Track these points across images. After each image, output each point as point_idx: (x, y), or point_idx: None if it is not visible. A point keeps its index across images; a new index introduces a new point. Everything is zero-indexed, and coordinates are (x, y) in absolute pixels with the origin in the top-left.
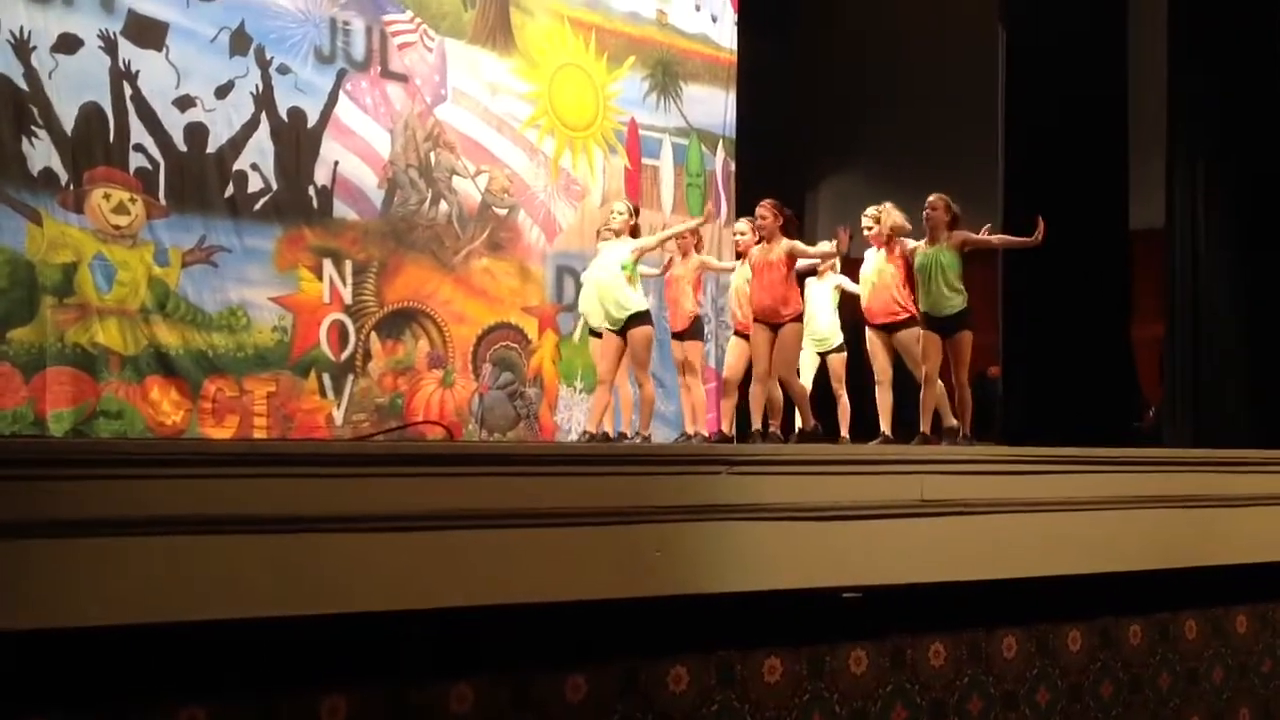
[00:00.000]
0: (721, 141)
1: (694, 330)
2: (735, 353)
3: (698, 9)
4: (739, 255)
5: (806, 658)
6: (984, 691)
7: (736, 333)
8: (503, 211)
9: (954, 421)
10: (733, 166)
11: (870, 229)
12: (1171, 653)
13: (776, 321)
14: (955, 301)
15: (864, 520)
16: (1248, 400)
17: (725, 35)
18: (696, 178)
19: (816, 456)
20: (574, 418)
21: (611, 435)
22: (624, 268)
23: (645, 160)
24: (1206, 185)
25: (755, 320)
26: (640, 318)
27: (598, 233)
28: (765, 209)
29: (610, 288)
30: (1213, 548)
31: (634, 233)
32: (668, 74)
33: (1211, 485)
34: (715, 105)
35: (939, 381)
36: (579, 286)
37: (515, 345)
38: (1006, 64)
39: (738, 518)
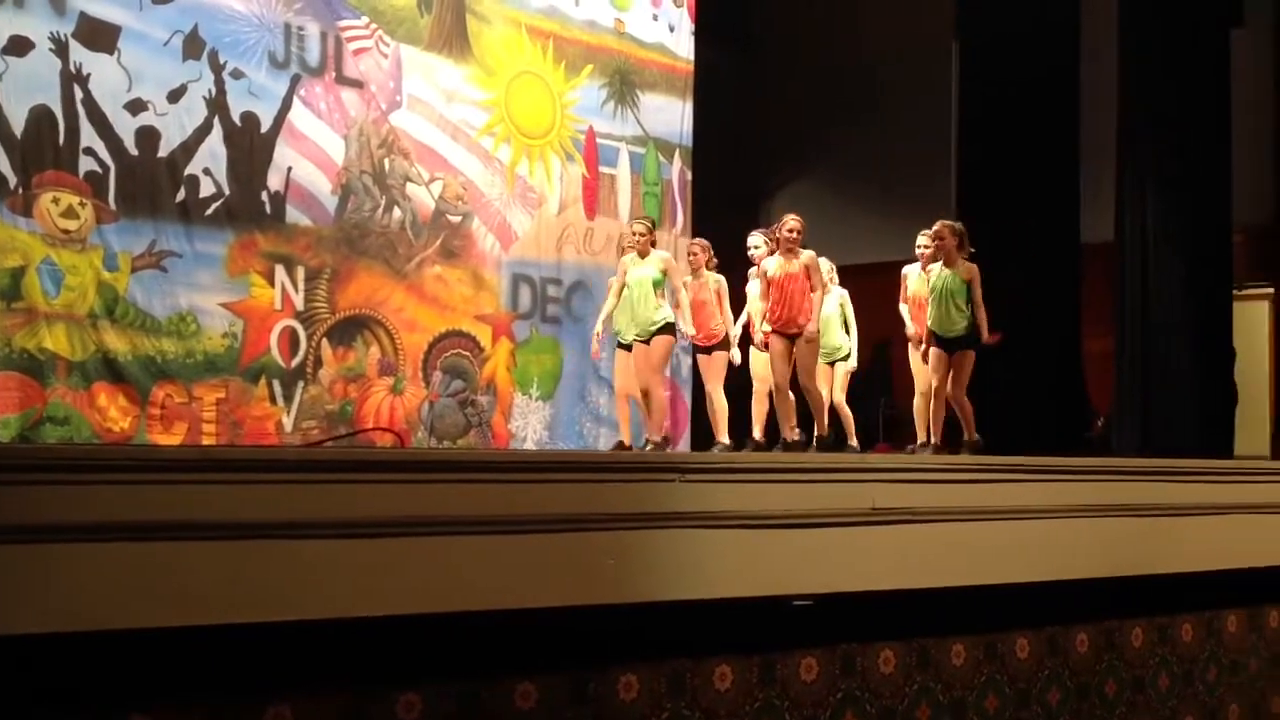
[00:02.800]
0: (678, 150)
1: (723, 344)
2: (762, 363)
3: (655, 18)
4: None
5: (758, 665)
6: (933, 699)
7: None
8: (457, 219)
9: (927, 437)
10: (689, 175)
11: (926, 248)
12: (1118, 660)
13: (795, 332)
14: (960, 325)
15: (816, 528)
16: (1194, 410)
17: (683, 45)
18: (653, 186)
19: (769, 465)
20: (529, 425)
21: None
22: (655, 284)
23: (602, 169)
24: (1155, 199)
25: (774, 331)
26: (669, 328)
27: (621, 249)
28: (796, 221)
29: (644, 302)
30: (1159, 556)
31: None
32: (625, 83)
33: (1158, 494)
34: (672, 114)
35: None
36: (538, 295)
37: (467, 353)
38: (960, 77)
39: (690, 526)
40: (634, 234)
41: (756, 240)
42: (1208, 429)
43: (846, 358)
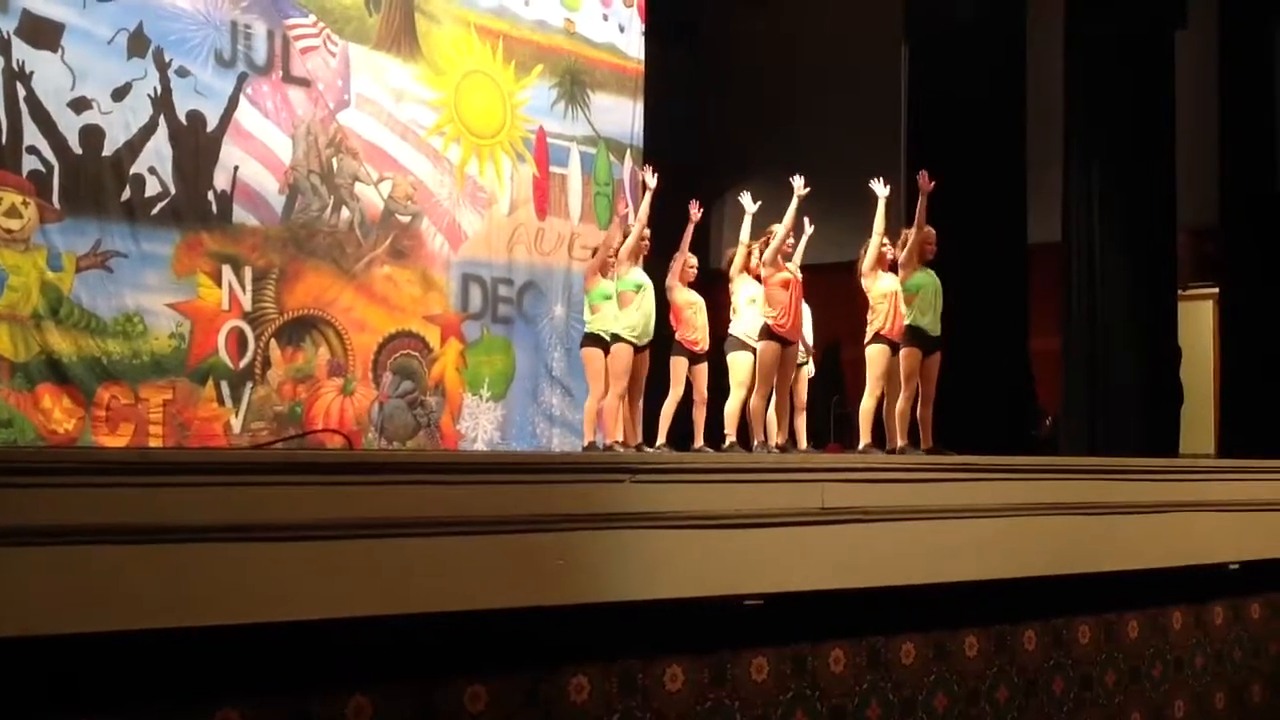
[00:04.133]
0: (629, 150)
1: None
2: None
3: (605, 18)
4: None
5: (708, 665)
6: (883, 697)
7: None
8: (406, 219)
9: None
10: (640, 175)
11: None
12: (1065, 658)
13: (795, 339)
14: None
15: (766, 528)
16: (1141, 410)
17: (633, 45)
18: (604, 186)
19: (719, 465)
20: (480, 426)
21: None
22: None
23: (553, 169)
24: (1102, 200)
25: (779, 339)
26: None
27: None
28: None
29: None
30: (1106, 554)
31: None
32: (576, 83)
33: (1106, 493)
34: (623, 114)
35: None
36: (489, 295)
37: (416, 354)
38: (909, 78)
39: (640, 526)
40: (647, 241)
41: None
42: (1154, 428)
43: (806, 363)
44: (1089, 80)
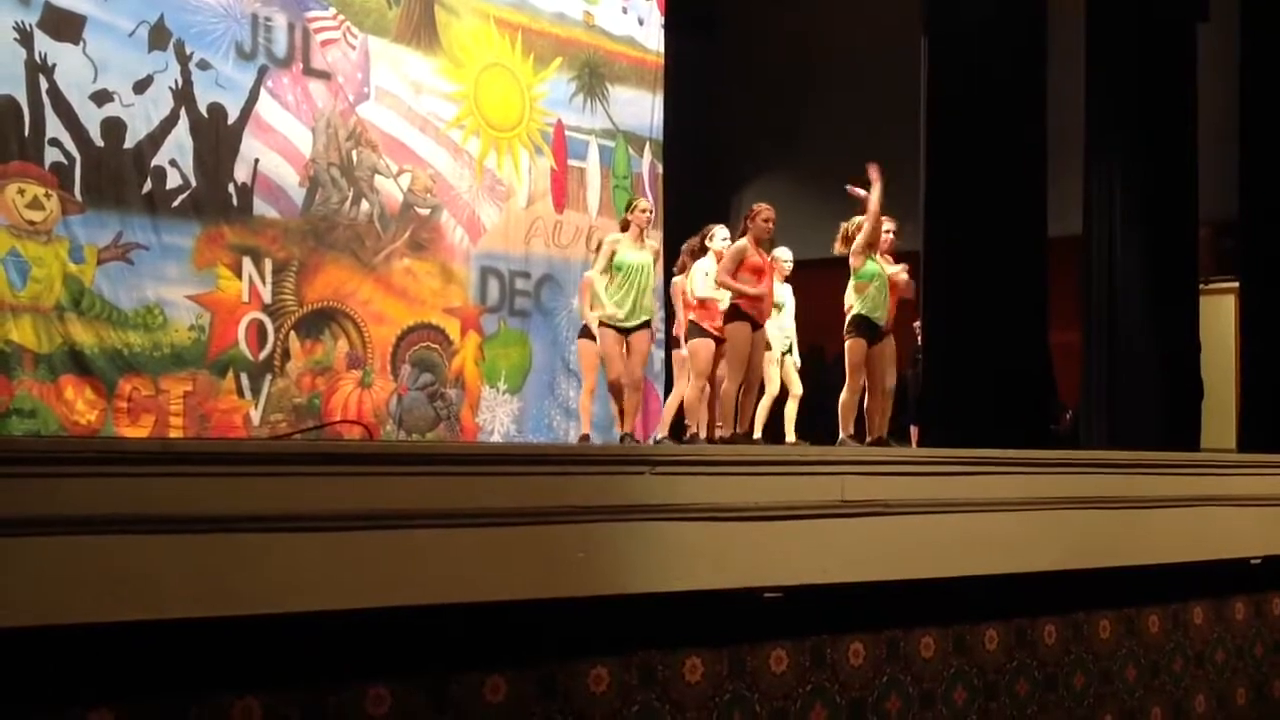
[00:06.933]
0: (648, 143)
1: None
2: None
3: (625, 11)
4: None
5: (727, 657)
6: (902, 690)
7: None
8: (425, 211)
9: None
10: (659, 169)
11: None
12: (1085, 652)
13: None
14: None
15: (785, 520)
16: (1161, 404)
17: (652, 37)
18: (623, 180)
19: (739, 457)
20: (497, 419)
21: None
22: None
23: (572, 162)
24: (1122, 193)
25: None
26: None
27: (626, 225)
28: (771, 210)
29: (649, 289)
30: (1126, 548)
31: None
32: (594, 75)
33: (1125, 487)
34: (642, 107)
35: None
36: (506, 288)
37: (436, 346)
38: (929, 71)
39: (661, 518)
40: (644, 211)
41: (725, 233)
42: (1174, 422)
43: (790, 350)
44: (1110, 73)
